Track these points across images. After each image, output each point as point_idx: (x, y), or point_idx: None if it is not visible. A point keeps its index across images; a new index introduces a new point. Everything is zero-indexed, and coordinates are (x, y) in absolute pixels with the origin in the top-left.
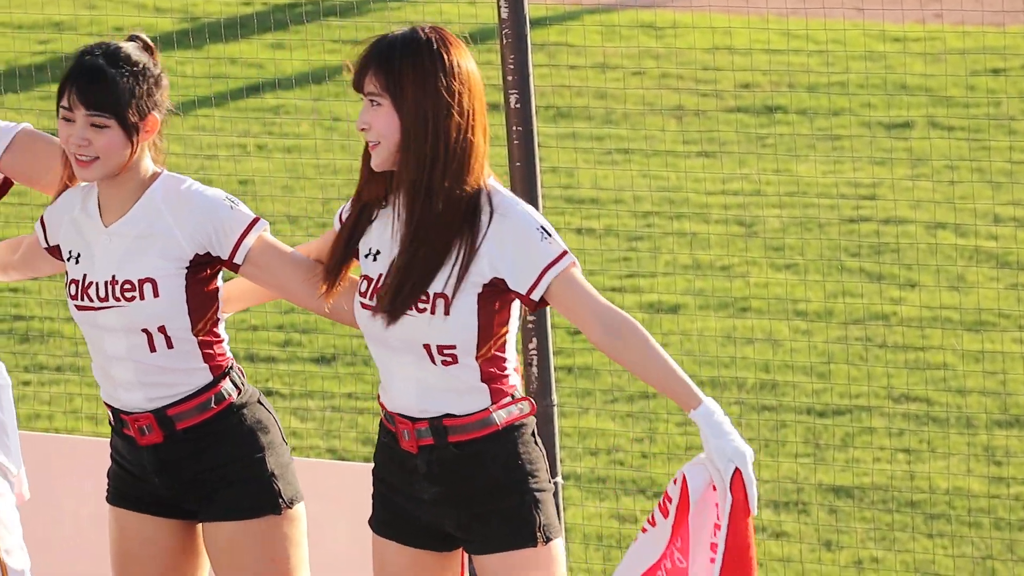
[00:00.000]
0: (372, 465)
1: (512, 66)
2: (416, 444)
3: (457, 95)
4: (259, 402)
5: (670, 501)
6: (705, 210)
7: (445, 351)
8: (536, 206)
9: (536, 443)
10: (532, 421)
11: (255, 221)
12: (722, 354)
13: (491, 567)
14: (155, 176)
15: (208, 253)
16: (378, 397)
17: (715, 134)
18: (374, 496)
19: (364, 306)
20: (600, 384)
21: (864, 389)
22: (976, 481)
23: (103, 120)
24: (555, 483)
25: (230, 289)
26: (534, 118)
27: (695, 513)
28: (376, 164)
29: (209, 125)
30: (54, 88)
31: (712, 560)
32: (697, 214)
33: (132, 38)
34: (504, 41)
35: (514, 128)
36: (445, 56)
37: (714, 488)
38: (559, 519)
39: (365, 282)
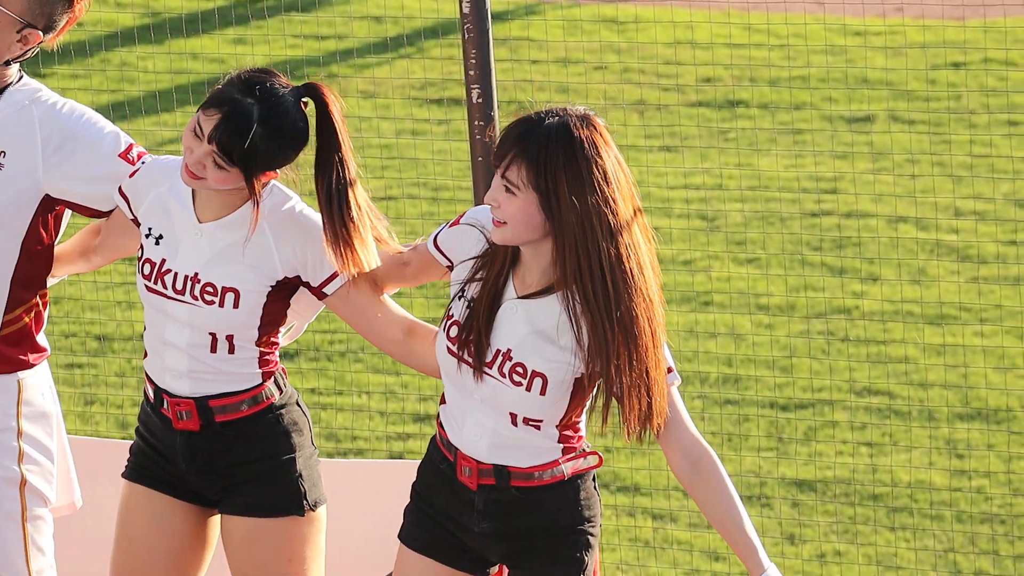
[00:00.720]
0: (336, 462)
1: (474, 61)
2: (477, 482)
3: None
4: (297, 404)
5: None
6: (667, 204)
7: (531, 422)
8: None
9: (595, 488)
10: (595, 471)
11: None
12: (685, 348)
13: None
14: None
15: (298, 277)
16: (437, 416)
17: (677, 128)
18: (411, 511)
19: (452, 352)
20: None
21: (826, 383)
22: (938, 474)
23: (227, 165)
24: None
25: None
26: (496, 113)
27: None
28: (498, 239)
29: (171, 120)
30: None
31: None
32: (659, 208)
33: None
34: (466, 36)
35: (476, 123)
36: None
37: None
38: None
39: (455, 327)
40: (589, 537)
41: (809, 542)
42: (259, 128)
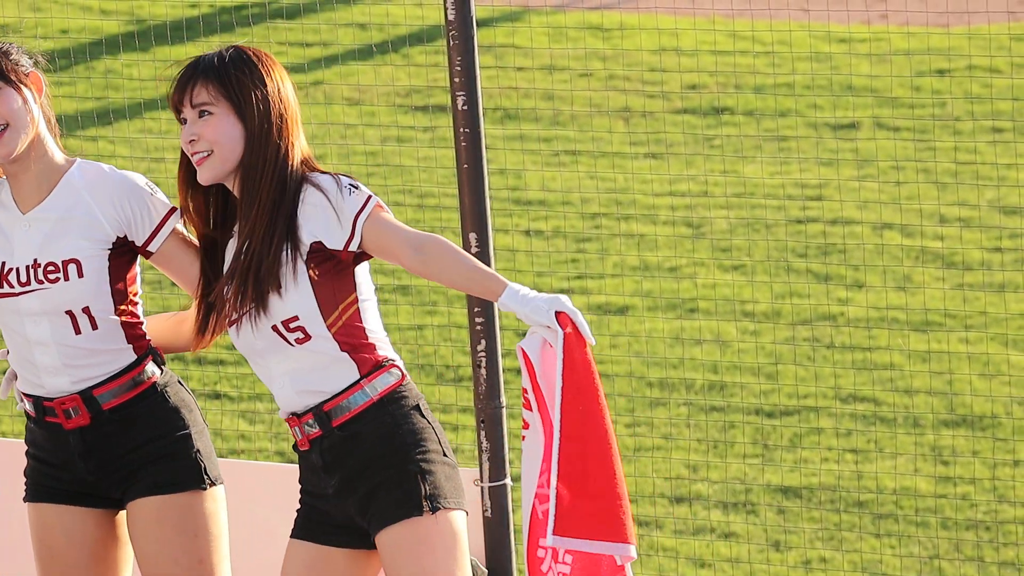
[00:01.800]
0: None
1: (459, 68)
2: (307, 439)
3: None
4: (179, 383)
5: (526, 392)
6: (653, 211)
7: (291, 326)
8: (484, 208)
9: (422, 415)
10: (416, 395)
11: (172, 210)
12: (670, 355)
13: (383, 544)
14: (70, 163)
15: (126, 236)
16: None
17: (662, 135)
18: (298, 510)
19: (232, 322)
20: None
21: (812, 390)
22: (923, 481)
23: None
24: (503, 483)
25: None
26: (481, 120)
27: (542, 377)
28: (206, 178)
29: (156, 128)
30: None
31: (552, 394)
32: (645, 215)
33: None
34: (451, 43)
35: (461, 130)
36: (265, 64)
37: (550, 346)
38: (505, 511)
39: (226, 305)
40: (421, 463)
41: (795, 549)
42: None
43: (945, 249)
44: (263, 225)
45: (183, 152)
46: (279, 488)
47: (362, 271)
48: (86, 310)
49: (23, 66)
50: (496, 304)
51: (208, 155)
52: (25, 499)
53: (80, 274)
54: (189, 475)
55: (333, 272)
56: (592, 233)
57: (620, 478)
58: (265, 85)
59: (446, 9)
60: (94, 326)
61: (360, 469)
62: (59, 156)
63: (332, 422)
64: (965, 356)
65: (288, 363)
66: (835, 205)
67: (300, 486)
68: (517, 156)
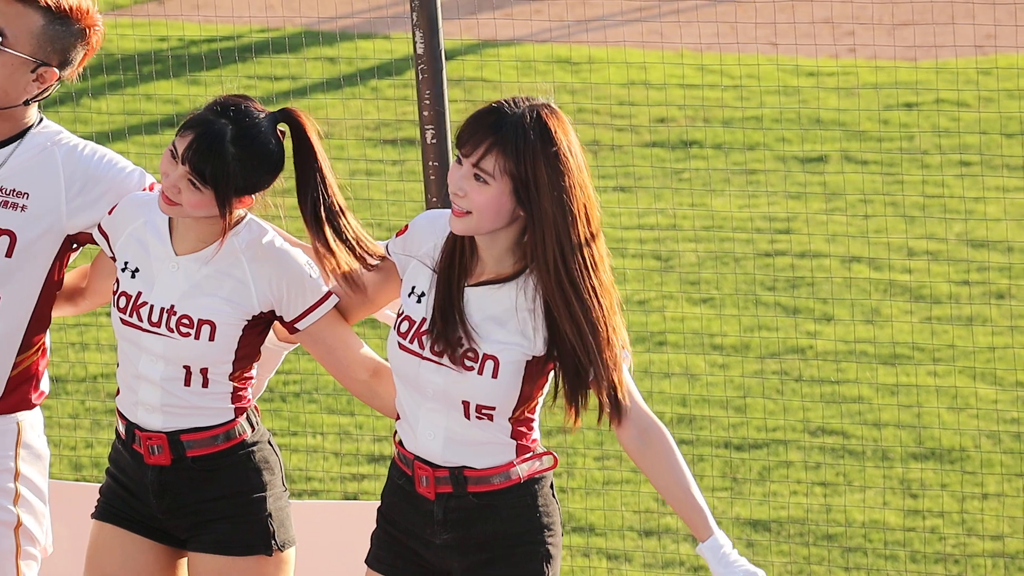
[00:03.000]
0: (301, 503)
1: (428, 101)
2: (434, 491)
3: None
4: (269, 443)
5: None
6: (621, 244)
7: (483, 411)
8: None
9: (553, 496)
10: (551, 475)
11: (328, 295)
12: (639, 388)
13: None
14: (240, 219)
15: (272, 311)
16: (394, 434)
17: (631, 169)
18: (376, 535)
19: (403, 348)
20: None
21: (781, 423)
22: (892, 514)
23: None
24: None
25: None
26: (451, 153)
27: None
28: (459, 230)
29: None
30: None
31: None
32: (614, 248)
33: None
34: (420, 76)
35: (430, 163)
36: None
37: None
38: None
39: (406, 322)
40: (548, 547)
41: None
42: (232, 148)
43: (913, 282)
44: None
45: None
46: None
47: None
48: (204, 371)
49: (247, 187)
50: (697, 549)
51: (467, 214)
52: (93, 514)
53: (212, 337)
54: (256, 539)
55: (543, 372)
56: None
57: None
58: (562, 183)
59: (415, 43)
60: (205, 384)
61: (489, 538)
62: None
63: (469, 487)
64: (934, 389)
65: (448, 422)
66: (803, 238)
67: (386, 513)
68: None
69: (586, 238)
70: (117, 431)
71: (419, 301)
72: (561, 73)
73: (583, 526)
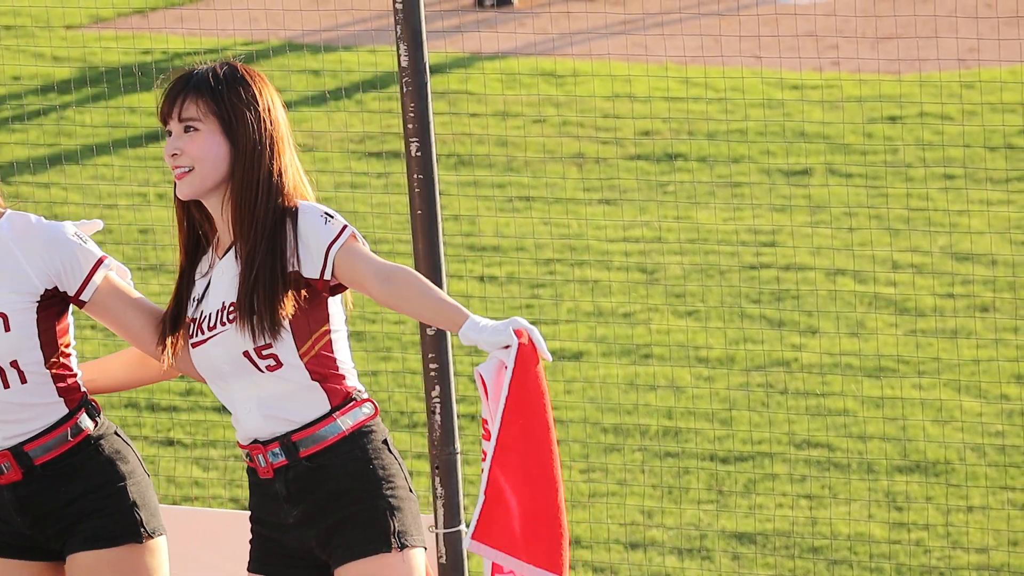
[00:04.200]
0: None
1: (412, 114)
2: (272, 468)
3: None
4: (116, 433)
5: (486, 423)
6: (607, 257)
7: (264, 353)
8: (437, 254)
9: (390, 451)
10: (383, 430)
11: (102, 259)
12: (625, 401)
13: None
14: None
15: (56, 288)
16: (237, 443)
17: (616, 181)
18: (251, 540)
19: (196, 344)
20: None
21: (766, 435)
22: (877, 527)
23: None
24: (458, 530)
25: (98, 369)
26: (435, 166)
27: (492, 398)
28: (185, 193)
29: (109, 174)
30: None
31: (497, 401)
32: (599, 261)
33: None
34: (404, 89)
35: (415, 176)
36: (258, 84)
37: (506, 367)
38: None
39: (191, 325)
40: (390, 499)
41: None
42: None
43: (898, 295)
44: (263, 249)
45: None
46: (233, 535)
47: (335, 302)
48: (14, 364)
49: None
50: (458, 335)
51: (189, 171)
52: None
53: (7, 328)
54: (125, 528)
55: (308, 301)
56: (546, 279)
57: (560, 504)
58: (257, 106)
59: (399, 55)
60: (23, 380)
61: (327, 501)
62: None
63: (300, 452)
64: (918, 402)
65: (255, 389)
66: (788, 251)
67: (252, 515)
68: (471, 202)
69: (280, 168)
70: None
71: (199, 303)
72: (546, 86)
73: (570, 539)
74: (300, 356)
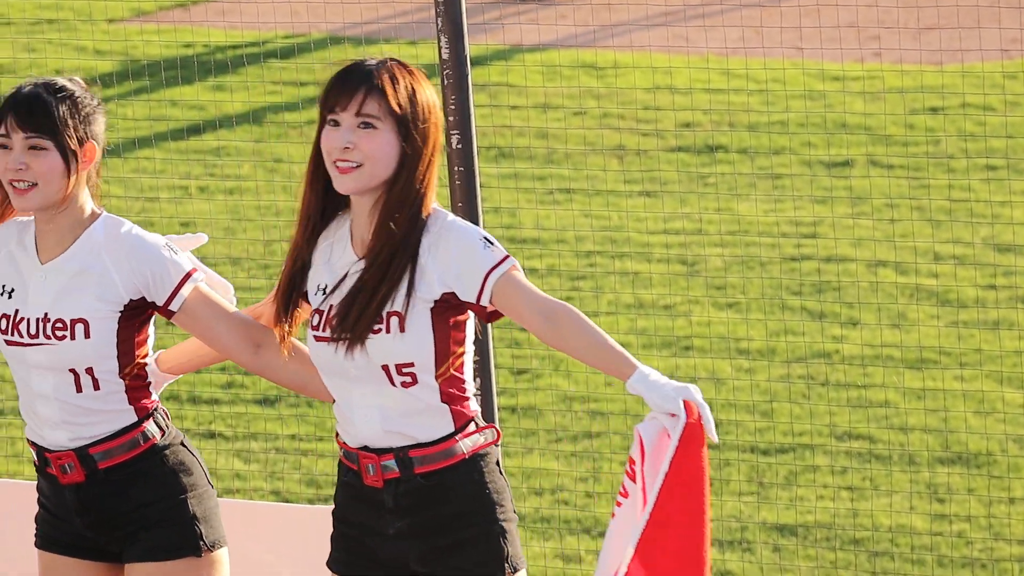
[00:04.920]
0: (317, 508)
1: (453, 107)
2: (382, 478)
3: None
4: (182, 444)
5: (634, 463)
6: (647, 249)
7: (404, 370)
8: None
9: (501, 473)
10: (497, 451)
11: (191, 272)
12: None
13: None
14: (95, 216)
15: (143, 298)
16: (336, 436)
17: (656, 173)
18: (333, 537)
19: (320, 339)
20: (544, 424)
21: (807, 427)
22: (919, 518)
23: (41, 142)
24: None
25: (172, 356)
26: (476, 158)
27: (650, 463)
28: (349, 188)
29: (150, 167)
30: None
31: (653, 481)
32: (639, 253)
33: (70, 79)
34: (445, 82)
35: (456, 169)
36: (429, 89)
37: (668, 436)
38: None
39: (316, 316)
40: (502, 523)
41: None
42: (47, 96)
43: (940, 287)
44: (388, 253)
45: (318, 149)
46: (275, 527)
47: (471, 323)
48: (89, 371)
49: (82, 133)
50: (626, 385)
51: (358, 167)
52: (35, 544)
53: (87, 335)
54: (184, 541)
55: (453, 322)
56: (587, 271)
57: None
58: (430, 114)
59: (440, 48)
60: (96, 387)
61: (439, 521)
62: (88, 207)
63: (415, 468)
64: (960, 393)
65: (380, 399)
66: (829, 243)
67: (340, 514)
68: (511, 194)
69: (432, 177)
70: (34, 463)
71: (325, 293)
72: (586, 78)
73: None
74: (437, 376)
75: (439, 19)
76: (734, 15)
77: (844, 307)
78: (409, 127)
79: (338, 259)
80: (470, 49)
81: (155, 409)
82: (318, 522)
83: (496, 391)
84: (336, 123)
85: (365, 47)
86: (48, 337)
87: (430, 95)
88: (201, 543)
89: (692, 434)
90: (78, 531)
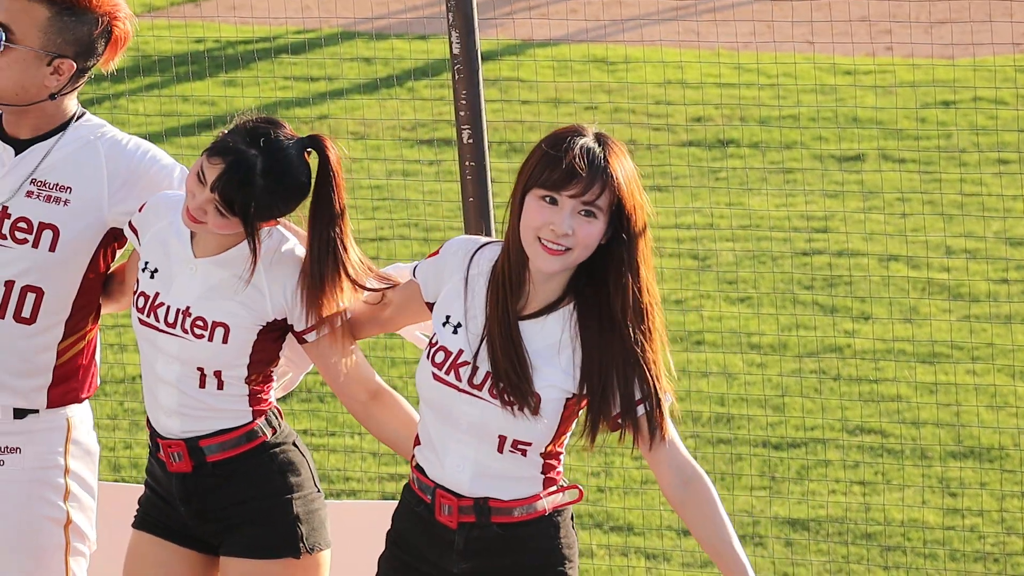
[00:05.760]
0: (330, 503)
1: (464, 101)
2: (457, 520)
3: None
4: (294, 444)
5: None
6: (658, 244)
7: (519, 446)
8: None
9: (573, 526)
10: (572, 507)
11: (340, 311)
12: (677, 387)
13: None
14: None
15: (285, 320)
16: (412, 459)
17: (668, 168)
18: (385, 559)
19: (439, 379)
20: None
21: (819, 422)
22: (931, 513)
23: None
24: None
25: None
26: (487, 153)
27: None
28: (554, 269)
29: None
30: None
31: None
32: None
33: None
34: (456, 76)
35: (467, 164)
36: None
37: None
38: None
39: (441, 353)
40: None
41: None
42: (262, 180)
43: (951, 281)
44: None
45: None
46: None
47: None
48: (217, 373)
49: (273, 214)
50: None
51: (567, 250)
52: (133, 523)
53: (225, 340)
54: (284, 541)
55: (576, 413)
56: None
57: None
58: (637, 212)
59: (451, 43)
60: (220, 387)
61: (510, 570)
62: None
63: (493, 517)
64: (972, 388)
65: (481, 456)
66: (841, 237)
67: (397, 536)
68: None
69: (647, 268)
70: (148, 443)
71: (455, 331)
72: (597, 73)
73: (621, 525)
74: (543, 455)
75: (450, 14)
76: (745, 9)
77: (856, 301)
78: (621, 221)
79: (463, 300)
80: (481, 44)
81: (271, 410)
82: (331, 518)
83: None
84: (554, 201)
85: (376, 42)
86: (185, 331)
87: (637, 179)
88: (301, 544)
89: None
90: (181, 519)
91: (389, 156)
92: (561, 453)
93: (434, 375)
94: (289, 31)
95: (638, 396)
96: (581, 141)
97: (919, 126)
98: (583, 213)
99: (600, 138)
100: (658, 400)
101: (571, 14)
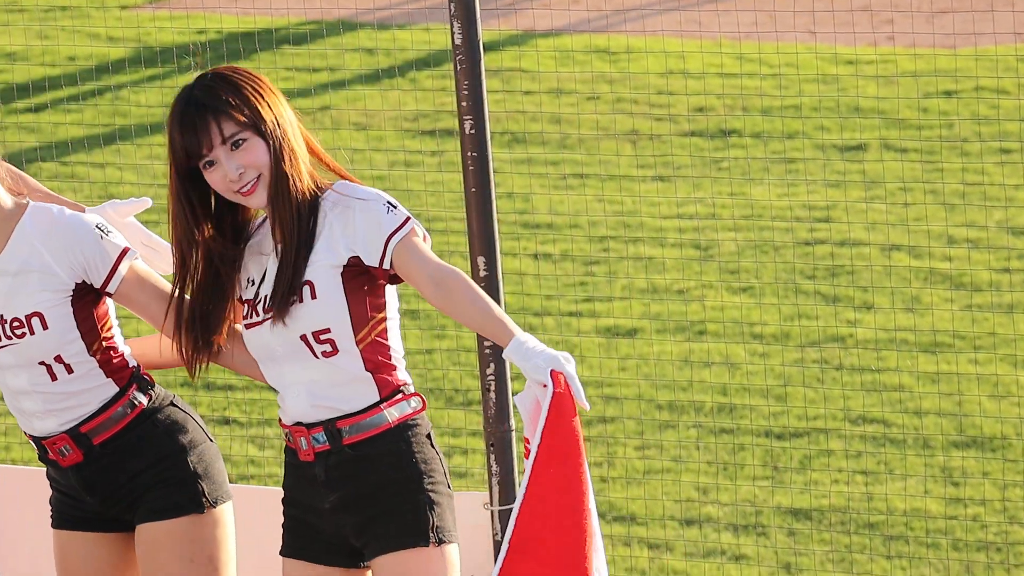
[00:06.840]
0: None
1: (466, 92)
2: (313, 451)
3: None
4: (173, 404)
5: (528, 442)
6: (661, 234)
7: (322, 337)
8: (492, 232)
9: (432, 445)
10: (427, 423)
11: (126, 250)
12: (679, 378)
13: (384, 568)
14: (21, 208)
15: (84, 280)
16: (279, 422)
17: (670, 158)
18: (284, 524)
19: (251, 325)
20: None
21: (821, 411)
22: (934, 502)
23: None
24: (511, 507)
25: (147, 345)
26: (489, 144)
27: (528, 435)
28: (263, 200)
29: (163, 154)
30: (7, 119)
31: (529, 455)
32: (653, 238)
33: None
34: (458, 67)
35: (469, 154)
36: (254, 79)
37: (540, 405)
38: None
39: (246, 306)
40: (430, 494)
41: (805, 571)
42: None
43: (954, 270)
44: (296, 233)
45: (180, 195)
46: None
47: (391, 289)
48: (58, 358)
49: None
50: (504, 355)
51: (258, 179)
52: (51, 525)
53: (44, 326)
54: (187, 498)
55: (367, 287)
56: (600, 256)
57: (588, 554)
58: (265, 99)
59: (453, 34)
60: (69, 371)
61: (367, 491)
62: (8, 202)
63: (343, 439)
64: (974, 377)
65: (307, 373)
66: (843, 227)
67: (286, 496)
68: (525, 180)
69: (294, 154)
70: (37, 454)
71: (253, 284)
72: (599, 63)
73: (624, 515)
74: (357, 343)
75: (452, 4)
76: None
77: (858, 291)
78: (260, 123)
79: (255, 257)
80: (483, 34)
81: (136, 375)
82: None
83: (510, 376)
84: (212, 163)
85: (378, 33)
86: (9, 337)
87: (259, 82)
88: (204, 499)
89: (560, 404)
90: (91, 507)
91: (391, 147)
92: (388, 349)
93: (247, 326)
94: (291, 22)
95: (386, 233)
96: (184, 99)
97: (921, 115)
98: (233, 145)
99: (203, 81)
100: (399, 228)
101: (573, 4)
